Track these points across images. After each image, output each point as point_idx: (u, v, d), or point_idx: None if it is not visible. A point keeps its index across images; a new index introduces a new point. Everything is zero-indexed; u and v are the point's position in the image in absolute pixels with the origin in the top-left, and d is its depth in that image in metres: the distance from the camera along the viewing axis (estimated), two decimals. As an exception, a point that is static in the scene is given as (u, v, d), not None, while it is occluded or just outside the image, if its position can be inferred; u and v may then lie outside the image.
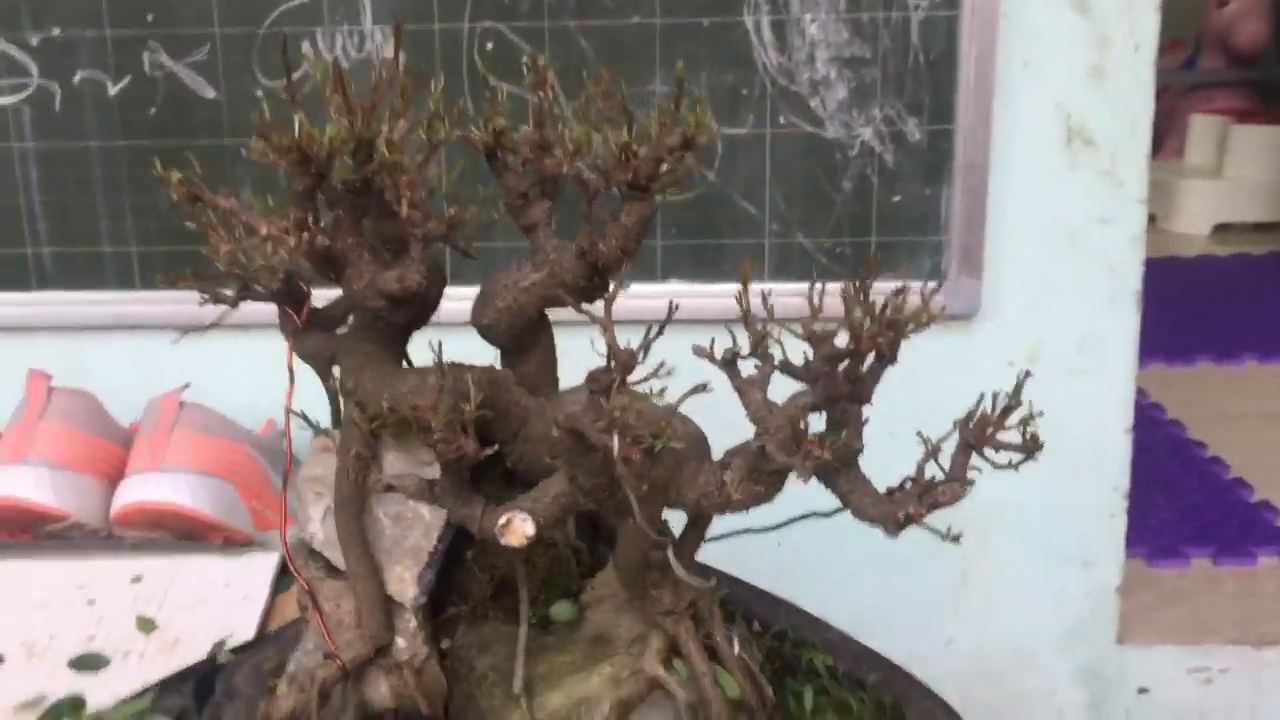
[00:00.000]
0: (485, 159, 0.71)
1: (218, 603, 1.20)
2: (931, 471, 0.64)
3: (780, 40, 1.51)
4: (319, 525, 0.70)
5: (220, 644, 1.14)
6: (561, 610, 0.73)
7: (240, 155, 1.54)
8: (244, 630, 1.15)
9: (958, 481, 0.63)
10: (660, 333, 0.59)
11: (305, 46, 1.51)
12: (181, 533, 1.34)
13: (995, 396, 0.64)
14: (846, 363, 0.62)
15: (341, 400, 0.70)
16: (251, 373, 1.59)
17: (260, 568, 1.26)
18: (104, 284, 1.58)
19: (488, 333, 0.70)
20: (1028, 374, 0.66)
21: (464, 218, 0.65)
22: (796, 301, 0.63)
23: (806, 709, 0.73)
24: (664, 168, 0.65)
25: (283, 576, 1.26)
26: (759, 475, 0.63)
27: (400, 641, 0.70)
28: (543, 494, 0.63)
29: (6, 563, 1.27)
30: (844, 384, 0.62)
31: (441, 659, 0.73)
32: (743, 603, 0.87)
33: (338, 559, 0.69)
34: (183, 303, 1.59)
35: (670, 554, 0.65)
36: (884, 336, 0.60)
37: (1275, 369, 2.78)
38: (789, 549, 1.19)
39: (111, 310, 1.58)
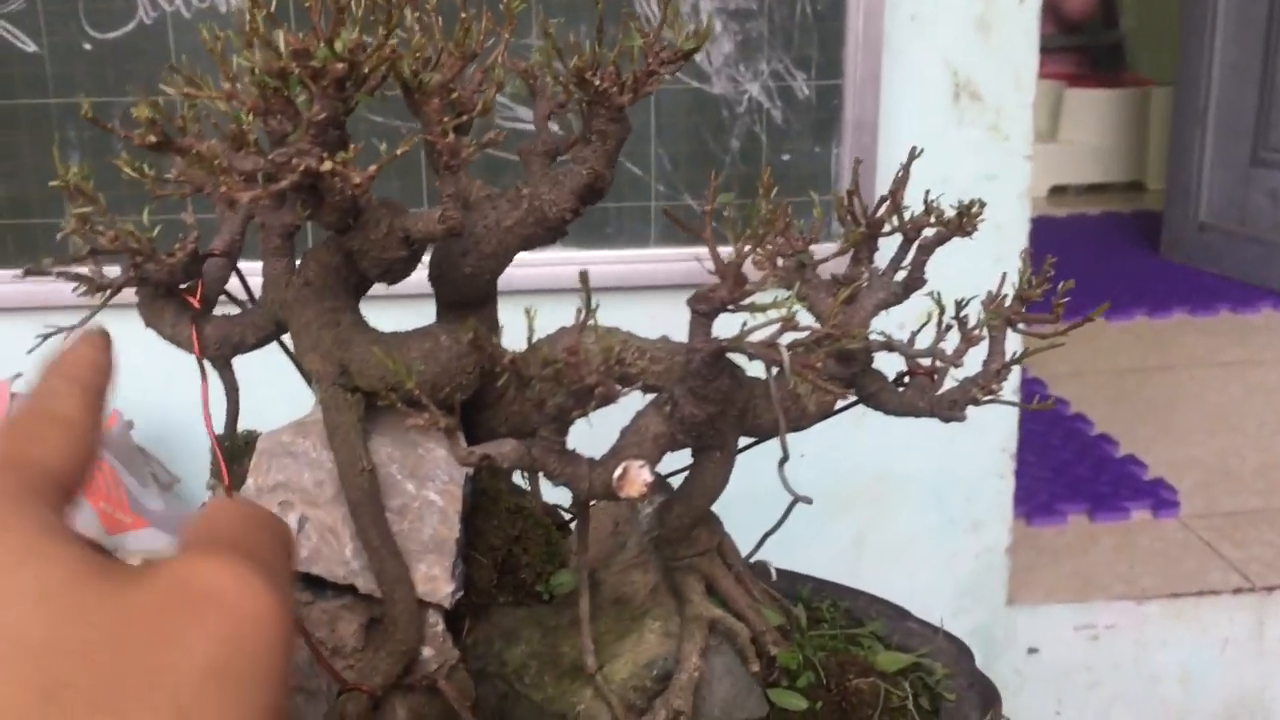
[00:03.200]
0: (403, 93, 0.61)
1: (70, 620, 1.06)
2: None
3: (664, -10, 1.42)
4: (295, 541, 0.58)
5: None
6: (562, 581, 0.66)
7: (69, 116, 1.37)
8: (103, 650, 1.02)
9: (997, 362, 0.64)
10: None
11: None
12: (19, 542, 1.19)
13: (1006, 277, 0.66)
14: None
15: (316, 383, 0.58)
16: (90, 359, 1.43)
17: (117, 578, 1.12)
18: (-88, 263, 1.39)
19: (464, 285, 0.60)
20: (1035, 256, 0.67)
21: (499, 138, 0.55)
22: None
23: (804, 625, 0.72)
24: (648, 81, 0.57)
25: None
26: (830, 383, 0.62)
27: (426, 651, 0.59)
28: (642, 438, 0.58)
29: None
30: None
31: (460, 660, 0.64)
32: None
33: (336, 573, 0.58)
34: (8, 282, 1.43)
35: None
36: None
37: (1122, 326, 2.86)
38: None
39: (-79, 293, 1.40)
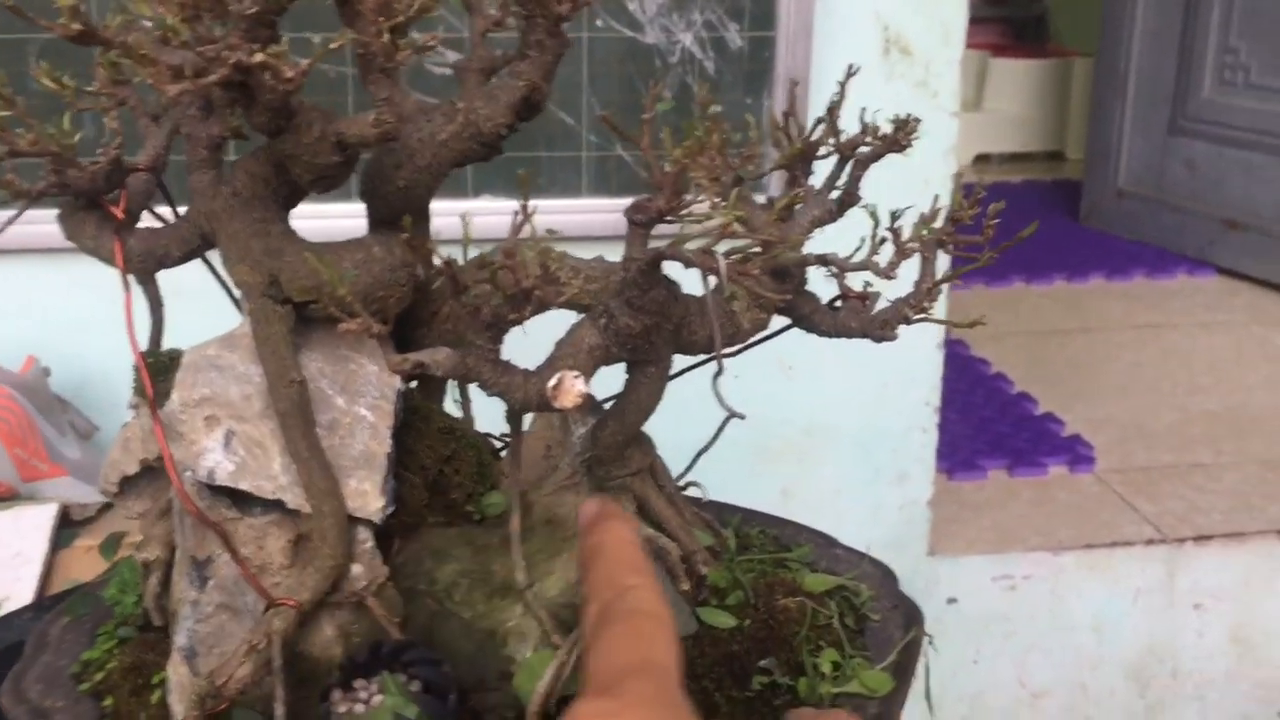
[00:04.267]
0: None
1: (-15, 563, 1.04)
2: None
3: (597, -64, 1.41)
4: (222, 454, 0.56)
5: (-7, 608, 0.99)
6: (493, 502, 0.66)
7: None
8: (19, 593, 1.00)
9: (928, 281, 0.65)
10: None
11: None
12: (-70, 486, 1.16)
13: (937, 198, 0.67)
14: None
15: (243, 293, 0.57)
16: (3, 304, 1.39)
17: (32, 521, 1.10)
18: None
19: (397, 199, 0.59)
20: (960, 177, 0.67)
21: (434, 40, 0.54)
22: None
23: (732, 548, 0.73)
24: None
25: (63, 530, 1.10)
26: (764, 300, 0.62)
27: (355, 568, 0.58)
28: (577, 349, 0.58)
29: None
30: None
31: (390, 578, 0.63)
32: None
33: (265, 488, 0.56)
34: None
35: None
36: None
37: (1042, 289, 2.91)
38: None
39: None
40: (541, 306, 0.52)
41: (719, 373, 0.61)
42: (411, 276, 0.59)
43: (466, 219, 0.50)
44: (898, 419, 1.70)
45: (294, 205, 0.59)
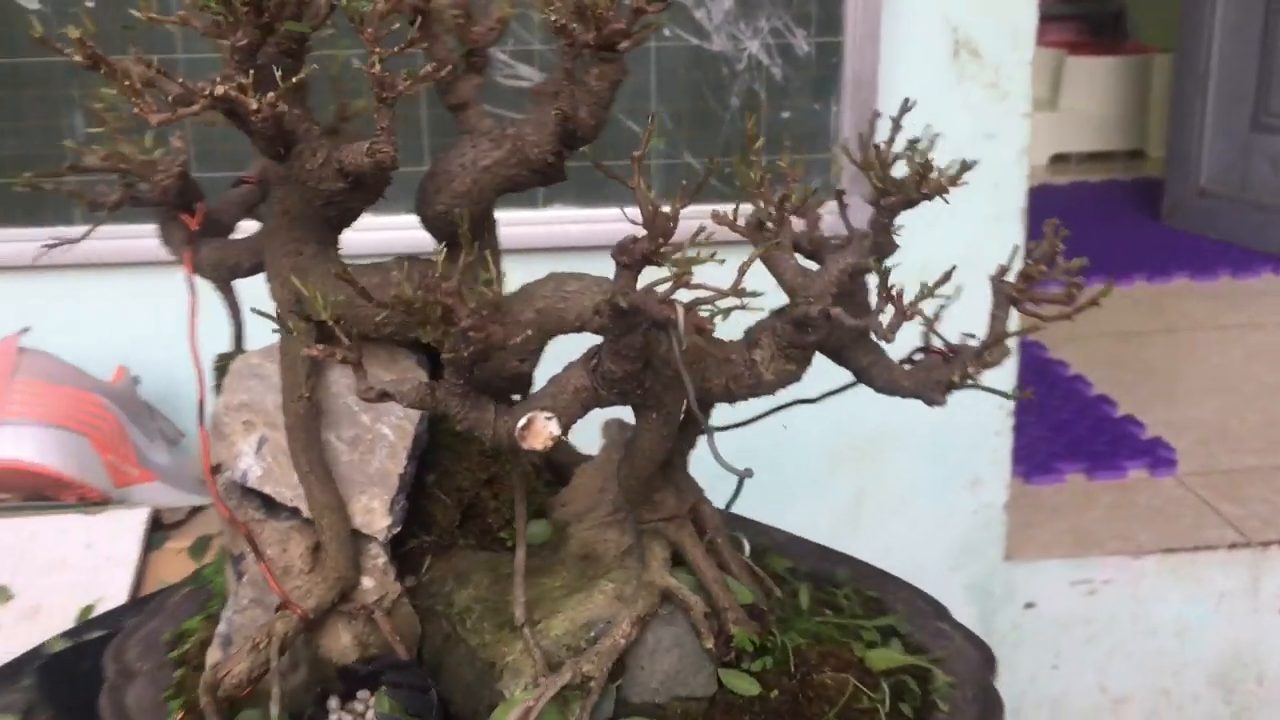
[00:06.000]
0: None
1: (80, 566, 1.08)
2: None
3: (663, -53, 1.43)
4: (253, 459, 0.59)
5: (87, 607, 1.03)
6: (537, 530, 0.66)
7: (73, 74, 1.38)
8: (114, 595, 1.04)
9: (1002, 340, 0.59)
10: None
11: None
12: (29, 492, 1.21)
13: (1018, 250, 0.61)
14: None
15: (276, 310, 0.60)
16: (97, 316, 1.44)
17: (126, 525, 1.14)
18: (-82, 222, 1.40)
19: (439, 222, 0.61)
20: (1058, 227, 0.61)
21: (443, 73, 0.55)
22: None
23: (804, 607, 0.68)
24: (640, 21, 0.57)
25: (154, 534, 1.14)
26: (791, 351, 0.58)
27: (367, 581, 0.60)
28: (561, 390, 0.56)
29: None
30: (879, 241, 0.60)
31: (413, 596, 0.65)
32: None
33: (285, 494, 0.59)
34: (13, 241, 1.44)
35: (711, 440, 0.58)
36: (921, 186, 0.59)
37: (1122, 291, 2.86)
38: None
39: (-72, 251, 1.41)
40: (486, 348, 0.50)
41: (708, 430, 0.58)
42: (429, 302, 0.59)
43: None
44: (970, 422, 1.69)
45: (344, 226, 0.61)
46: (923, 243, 1.60)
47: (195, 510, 1.22)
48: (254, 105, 0.48)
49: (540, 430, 0.53)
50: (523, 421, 0.53)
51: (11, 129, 1.40)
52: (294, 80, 0.50)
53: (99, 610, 1.01)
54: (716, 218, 0.60)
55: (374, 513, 0.60)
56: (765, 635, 0.65)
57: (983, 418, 1.68)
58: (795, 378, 0.61)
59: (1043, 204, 1.68)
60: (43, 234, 1.39)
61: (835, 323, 0.58)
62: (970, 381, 0.59)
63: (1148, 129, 4.02)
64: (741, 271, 0.52)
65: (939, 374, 0.60)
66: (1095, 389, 2.28)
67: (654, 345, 0.56)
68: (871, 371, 0.62)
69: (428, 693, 0.58)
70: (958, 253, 1.61)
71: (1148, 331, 2.62)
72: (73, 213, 1.41)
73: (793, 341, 0.59)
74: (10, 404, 1.20)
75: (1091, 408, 2.20)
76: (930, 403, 0.61)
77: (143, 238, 0.63)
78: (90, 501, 1.22)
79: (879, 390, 0.63)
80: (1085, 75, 4.05)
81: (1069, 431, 2.10)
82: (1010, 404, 1.69)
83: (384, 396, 0.52)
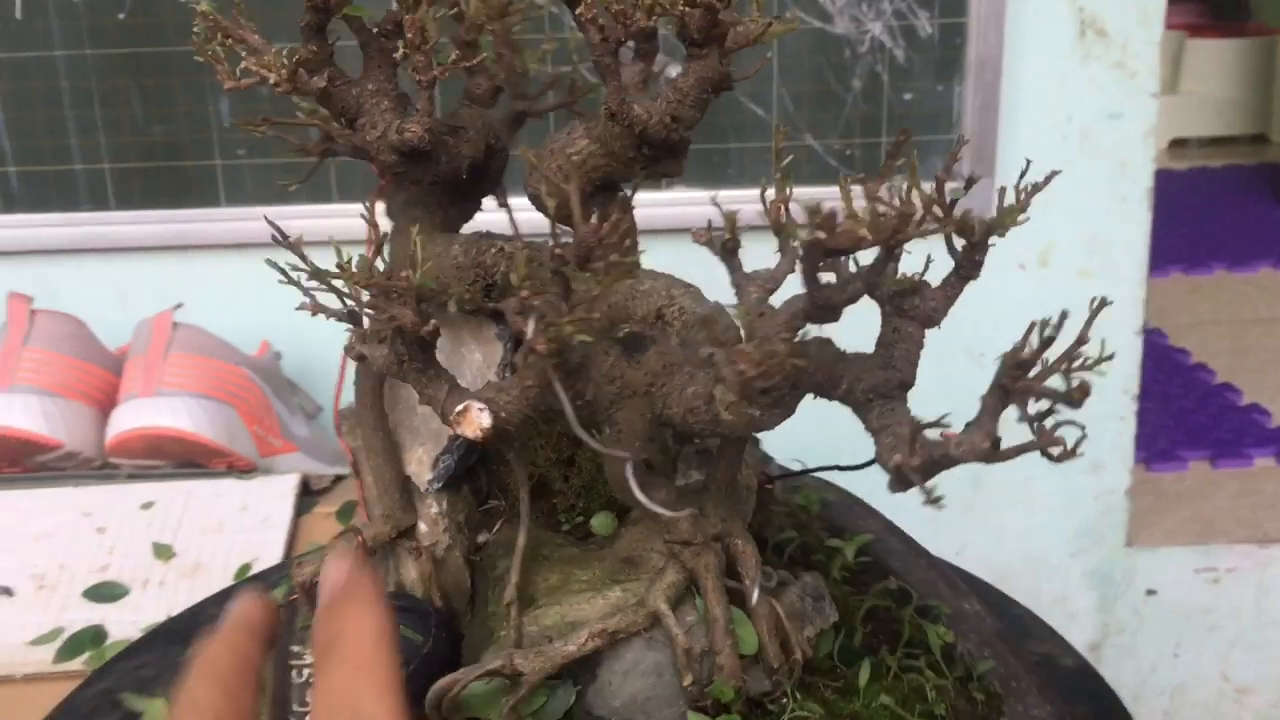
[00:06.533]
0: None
1: (236, 528, 1.13)
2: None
3: (789, -70, 1.44)
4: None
5: (245, 566, 1.08)
6: (602, 523, 0.66)
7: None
8: (268, 555, 1.09)
9: (983, 430, 0.48)
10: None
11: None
12: (182, 459, 1.27)
13: (1039, 326, 0.49)
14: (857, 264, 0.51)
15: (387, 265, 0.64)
16: (240, 293, 1.51)
17: (278, 490, 1.19)
18: (76, 204, 1.48)
19: (535, 204, 0.61)
20: (1064, 315, 0.50)
21: (472, 59, 0.58)
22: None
23: (860, 684, 0.62)
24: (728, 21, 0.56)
25: (303, 499, 1.19)
26: (754, 396, 0.48)
27: (422, 526, 0.66)
28: (512, 384, 0.54)
29: (2, 494, 1.19)
30: (858, 282, 0.50)
31: (476, 552, 0.69)
32: (880, 553, 0.76)
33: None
34: (163, 221, 1.51)
35: (629, 471, 0.54)
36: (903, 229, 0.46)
37: (1244, 277, 2.79)
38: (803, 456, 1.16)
39: (85, 232, 1.49)
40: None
41: (630, 460, 0.54)
42: (480, 277, 0.62)
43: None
44: (1092, 406, 1.66)
45: (463, 205, 0.65)
46: (1045, 225, 1.60)
47: (338, 479, 1.27)
48: (273, 78, 0.53)
49: (472, 420, 0.53)
50: (459, 407, 0.53)
51: (159, 115, 1.47)
52: (318, 55, 0.55)
53: (255, 569, 1.07)
54: (696, 235, 0.55)
55: (423, 465, 0.66)
56: (766, 696, 0.60)
57: (1106, 402, 1.67)
58: (764, 425, 0.53)
59: (1163, 189, 1.65)
60: (191, 214, 1.48)
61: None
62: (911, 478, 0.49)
63: (1271, 113, 3.90)
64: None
65: (892, 453, 0.50)
66: (1218, 377, 2.24)
67: (591, 361, 0.53)
68: (879, 436, 0.52)
69: (428, 618, 0.62)
70: (1083, 236, 1.61)
71: (1272, 319, 2.55)
72: (219, 194, 1.47)
73: (744, 390, 0.48)
74: (166, 375, 1.26)
75: (1214, 396, 2.16)
76: (888, 488, 0.51)
77: (286, 219, 0.67)
78: (237, 470, 1.28)
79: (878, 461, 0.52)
80: (1206, 58, 3.95)
81: (1191, 419, 2.06)
82: (1134, 388, 1.67)
83: (360, 357, 0.55)
